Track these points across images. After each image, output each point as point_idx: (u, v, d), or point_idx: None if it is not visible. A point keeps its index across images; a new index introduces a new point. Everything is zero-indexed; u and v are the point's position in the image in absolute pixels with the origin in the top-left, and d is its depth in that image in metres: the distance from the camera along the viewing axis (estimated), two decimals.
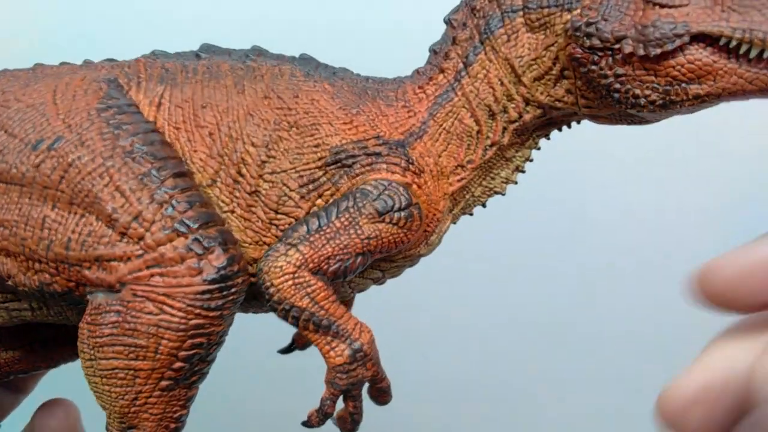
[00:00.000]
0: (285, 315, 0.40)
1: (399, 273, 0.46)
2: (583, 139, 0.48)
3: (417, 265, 0.46)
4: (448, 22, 0.45)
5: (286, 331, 0.55)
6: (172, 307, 0.38)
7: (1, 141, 0.42)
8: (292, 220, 0.42)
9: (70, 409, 0.60)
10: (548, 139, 0.45)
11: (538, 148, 0.45)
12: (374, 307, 0.49)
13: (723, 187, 0.80)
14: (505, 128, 0.43)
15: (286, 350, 0.54)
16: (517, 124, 0.43)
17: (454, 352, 0.85)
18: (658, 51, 0.37)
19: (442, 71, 0.44)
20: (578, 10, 0.40)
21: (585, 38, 0.39)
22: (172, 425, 0.41)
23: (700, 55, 0.37)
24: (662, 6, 0.37)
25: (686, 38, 0.37)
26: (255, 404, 0.86)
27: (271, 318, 0.47)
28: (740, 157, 0.77)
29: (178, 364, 0.40)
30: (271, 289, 0.39)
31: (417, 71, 0.45)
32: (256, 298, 0.42)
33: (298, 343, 0.54)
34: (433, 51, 0.45)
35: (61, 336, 0.55)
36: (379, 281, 0.46)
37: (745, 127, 0.75)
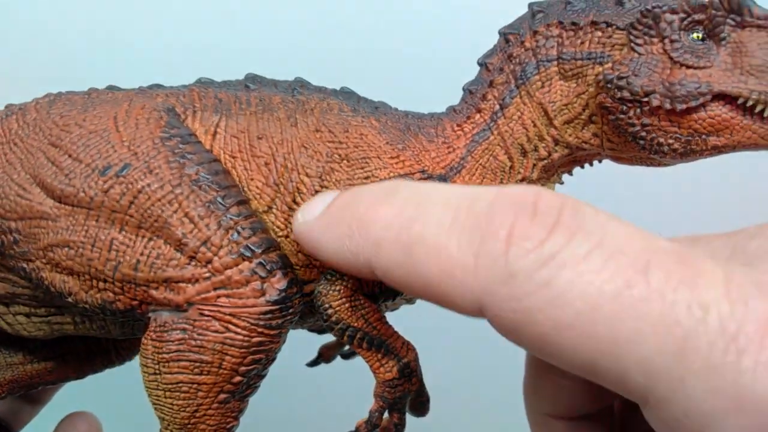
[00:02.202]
0: (341, 334, 0.43)
1: None
2: None
3: None
4: (483, 65, 0.49)
5: (313, 345, 0.58)
6: (236, 326, 0.41)
7: (67, 165, 0.44)
8: None
9: (92, 421, 0.62)
10: (571, 174, 0.50)
11: (562, 183, 0.50)
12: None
13: (724, 189, 0.83)
14: (534, 165, 0.47)
15: (313, 363, 0.57)
16: (546, 161, 0.47)
17: (457, 355, 0.88)
18: (684, 106, 0.41)
19: (479, 111, 0.48)
20: (609, 64, 0.44)
21: (616, 90, 0.43)
22: None
23: (719, 111, 0.42)
24: (688, 67, 0.42)
25: (708, 97, 0.41)
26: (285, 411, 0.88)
27: (300, 333, 0.51)
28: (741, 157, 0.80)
29: (237, 379, 0.42)
30: (329, 311, 0.43)
31: (453, 109, 0.49)
32: (302, 317, 0.46)
33: (324, 357, 0.57)
34: (469, 91, 0.49)
35: (93, 348, 0.57)
36: (411, 302, 0.50)
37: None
